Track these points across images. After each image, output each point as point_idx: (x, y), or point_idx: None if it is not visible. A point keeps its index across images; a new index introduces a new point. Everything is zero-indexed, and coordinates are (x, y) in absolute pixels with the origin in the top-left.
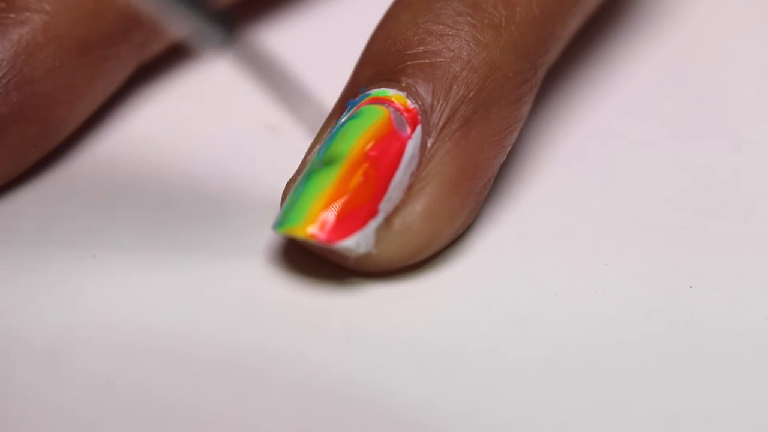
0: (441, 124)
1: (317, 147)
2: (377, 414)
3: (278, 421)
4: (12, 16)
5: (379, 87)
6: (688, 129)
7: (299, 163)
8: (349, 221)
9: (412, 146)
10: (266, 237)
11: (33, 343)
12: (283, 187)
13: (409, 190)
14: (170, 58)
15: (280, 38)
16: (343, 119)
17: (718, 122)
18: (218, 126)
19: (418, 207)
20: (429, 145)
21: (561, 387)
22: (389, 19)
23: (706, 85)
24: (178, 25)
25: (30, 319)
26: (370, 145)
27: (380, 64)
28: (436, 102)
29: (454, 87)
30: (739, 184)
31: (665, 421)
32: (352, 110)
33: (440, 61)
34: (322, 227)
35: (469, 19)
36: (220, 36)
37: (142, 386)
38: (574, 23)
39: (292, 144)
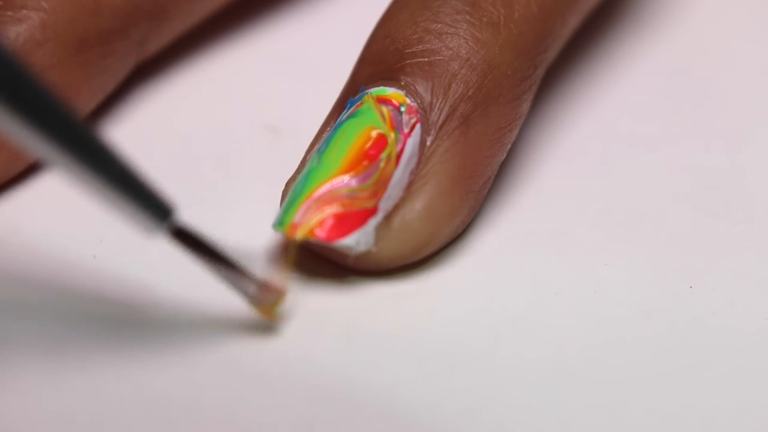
0: (440, 122)
1: (316, 146)
2: (378, 414)
3: (279, 421)
4: (9, 13)
5: (378, 86)
6: (688, 129)
7: (299, 162)
8: (348, 219)
9: (411, 144)
10: (266, 236)
11: (33, 343)
12: (283, 187)
13: (409, 189)
14: (170, 56)
15: (281, 38)
16: (343, 118)
17: (718, 122)
18: (218, 126)
19: (417, 205)
20: (428, 143)
21: (561, 387)
22: (388, 18)
23: (706, 86)
24: None
25: (30, 319)
26: (369, 144)
27: (379, 63)
28: (435, 100)
29: (453, 85)
30: (739, 184)
31: (665, 420)
32: (351, 109)
33: (439, 60)
34: (321, 225)
35: (467, 17)
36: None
37: (142, 385)
38: (573, 21)
39: (292, 144)
